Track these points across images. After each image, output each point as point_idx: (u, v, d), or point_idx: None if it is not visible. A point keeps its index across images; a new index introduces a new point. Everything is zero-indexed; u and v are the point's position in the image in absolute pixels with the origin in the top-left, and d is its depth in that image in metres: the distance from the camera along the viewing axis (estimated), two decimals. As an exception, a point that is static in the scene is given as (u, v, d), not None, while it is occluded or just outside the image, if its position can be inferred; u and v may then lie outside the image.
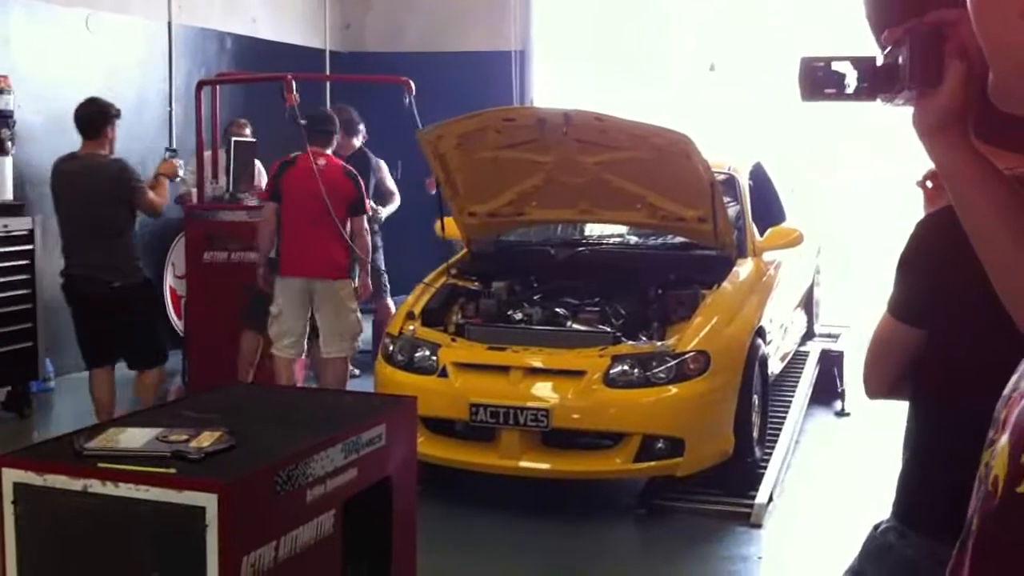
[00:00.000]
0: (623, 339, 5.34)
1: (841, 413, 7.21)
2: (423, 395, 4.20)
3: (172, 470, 2.50)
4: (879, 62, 1.22)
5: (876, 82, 1.21)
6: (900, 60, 1.19)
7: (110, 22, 8.40)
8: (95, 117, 5.97)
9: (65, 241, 6.02)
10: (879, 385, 2.03)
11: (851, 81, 1.22)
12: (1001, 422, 1.00)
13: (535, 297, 5.93)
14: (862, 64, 1.22)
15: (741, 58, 10.64)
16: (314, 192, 6.16)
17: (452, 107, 6.40)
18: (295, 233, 6.30)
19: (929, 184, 2.07)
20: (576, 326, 5.59)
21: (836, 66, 1.22)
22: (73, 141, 8.01)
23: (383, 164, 8.34)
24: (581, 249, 6.49)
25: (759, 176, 7.11)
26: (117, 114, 6.07)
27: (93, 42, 8.25)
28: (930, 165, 1.30)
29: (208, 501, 2.38)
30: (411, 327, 5.60)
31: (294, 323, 6.36)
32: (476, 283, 6.15)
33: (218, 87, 8.71)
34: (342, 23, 11.70)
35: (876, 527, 2.00)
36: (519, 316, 5.69)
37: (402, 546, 3.22)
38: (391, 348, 5.55)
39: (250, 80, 9.13)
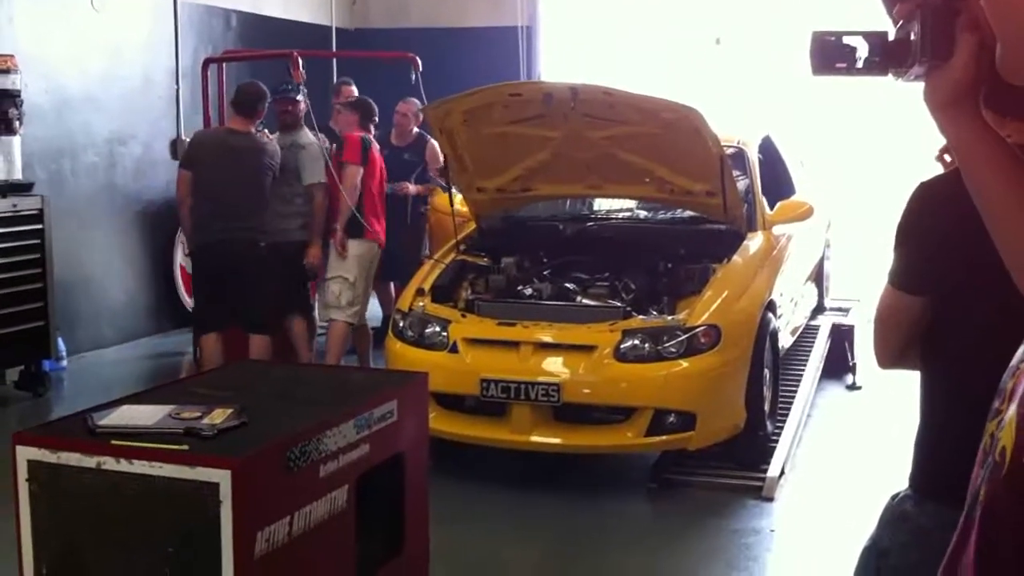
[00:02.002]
0: (633, 313, 5.34)
1: (852, 387, 7.20)
2: (434, 371, 4.20)
3: (185, 447, 2.51)
4: (890, 37, 1.21)
5: (887, 57, 1.20)
6: (912, 34, 1.18)
7: (116, 0, 8.38)
8: (254, 97, 6.59)
9: (218, 206, 6.43)
10: (887, 355, 2.03)
11: (862, 55, 1.21)
12: (1008, 392, 0.99)
13: (545, 272, 5.92)
14: (873, 38, 1.21)
15: (747, 31, 10.59)
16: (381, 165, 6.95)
17: (459, 83, 6.38)
18: (375, 199, 6.84)
19: (947, 158, 2.06)
20: (586, 301, 5.59)
21: (847, 40, 1.21)
22: (81, 119, 8.06)
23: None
24: (590, 224, 6.48)
25: (768, 149, 7.08)
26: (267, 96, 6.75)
27: (99, 21, 8.23)
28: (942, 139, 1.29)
29: (222, 477, 2.39)
30: (421, 303, 5.60)
31: (368, 289, 6.91)
32: (485, 259, 6.14)
33: (224, 65, 8.71)
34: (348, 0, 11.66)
35: (894, 497, 2.01)
36: (529, 291, 5.69)
37: (414, 521, 3.23)
38: (401, 324, 5.55)
39: (256, 57, 9.11)
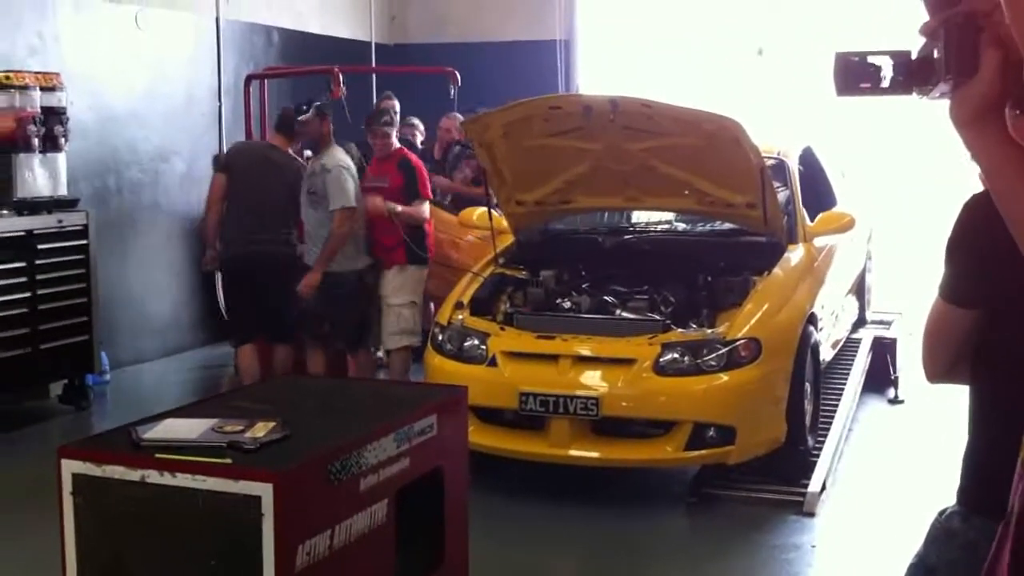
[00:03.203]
0: (673, 327, 5.31)
1: (895, 400, 7.12)
2: (473, 384, 4.20)
3: (228, 460, 2.52)
4: (914, 55, 1.21)
5: (911, 75, 1.21)
6: (935, 52, 1.17)
7: (159, 18, 8.49)
8: (291, 118, 6.71)
9: (248, 215, 6.54)
10: (936, 369, 2.01)
11: (886, 74, 1.21)
12: None
13: (583, 285, 5.91)
14: (897, 57, 1.21)
15: (789, 42, 10.53)
16: None
17: (497, 97, 6.40)
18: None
19: None
20: (625, 314, 5.57)
21: (871, 60, 1.21)
22: (125, 136, 8.17)
23: None
24: (629, 236, 6.46)
25: (809, 160, 7.03)
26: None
27: (142, 38, 8.35)
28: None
29: (264, 491, 2.41)
30: (460, 316, 5.61)
31: None
32: (524, 272, 6.14)
33: (266, 81, 8.79)
34: (387, 15, 11.74)
35: (941, 513, 1.99)
36: (568, 304, 5.68)
37: (454, 534, 3.23)
38: (440, 338, 5.57)
39: (298, 74, 9.19)
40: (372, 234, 6.59)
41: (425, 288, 6.78)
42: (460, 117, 7.78)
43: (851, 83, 1.22)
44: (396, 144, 6.77)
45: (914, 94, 1.22)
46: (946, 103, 1.19)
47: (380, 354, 7.16)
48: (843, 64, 1.22)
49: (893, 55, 1.21)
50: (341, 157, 6.52)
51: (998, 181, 1.22)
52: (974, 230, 1.86)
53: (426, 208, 6.68)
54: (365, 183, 6.64)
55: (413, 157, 6.91)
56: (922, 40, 1.20)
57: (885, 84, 1.21)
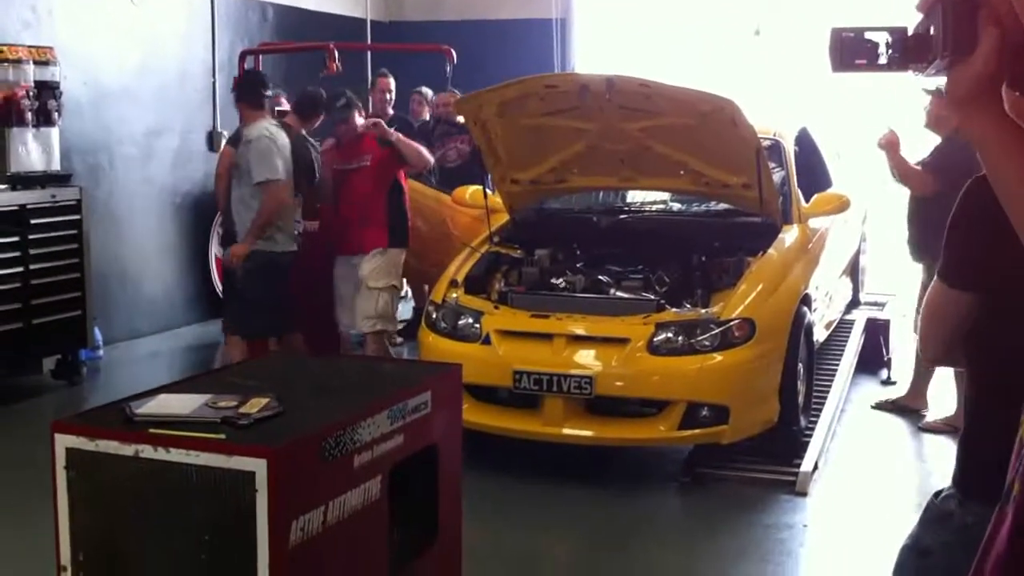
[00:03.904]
0: (667, 306, 5.32)
1: (887, 382, 7.14)
2: (467, 362, 4.17)
3: (222, 436, 2.52)
4: (910, 32, 1.20)
5: (908, 52, 1.20)
6: (932, 29, 1.17)
7: (153, -7, 8.44)
8: (313, 101, 6.78)
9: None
10: (935, 351, 2.01)
11: (883, 51, 1.20)
12: None
13: (578, 264, 5.91)
14: (894, 34, 1.20)
15: (786, 22, 10.50)
16: None
17: (493, 75, 6.38)
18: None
19: None
20: (619, 293, 5.57)
21: (867, 36, 1.21)
22: (118, 111, 8.12)
23: None
24: (624, 216, 6.46)
25: (805, 141, 7.03)
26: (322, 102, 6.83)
27: (136, 13, 8.29)
28: None
29: (258, 466, 2.41)
30: (454, 295, 5.61)
31: None
32: (519, 251, 6.14)
33: (260, 57, 8.75)
34: (383, -9, 11.68)
35: (936, 495, 1.99)
36: (562, 283, 5.68)
37: (448, 512, 3.24)
38: (435, 316, 5.56)
39: (293, 50, 9.15)
40: (352, 214, 6.45)
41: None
42: (459, 94, 7.77)
43: (847, 60, 1.21)
44: (360, 123, 6.50)
45: (910, 71, 1.21)
46: (943, 80, 1.19)
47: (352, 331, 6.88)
48: (839, 40, 1.21)
49: (890, 31, 1.20)
50: (266, 126, 6.22)
51: (994, 160, 1.21)
52: (973, 212, 1.86)
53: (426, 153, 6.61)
54: (336, 166, 6.57)
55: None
56: (919, 16, 1.19)
57: (881, 61, 1.20)
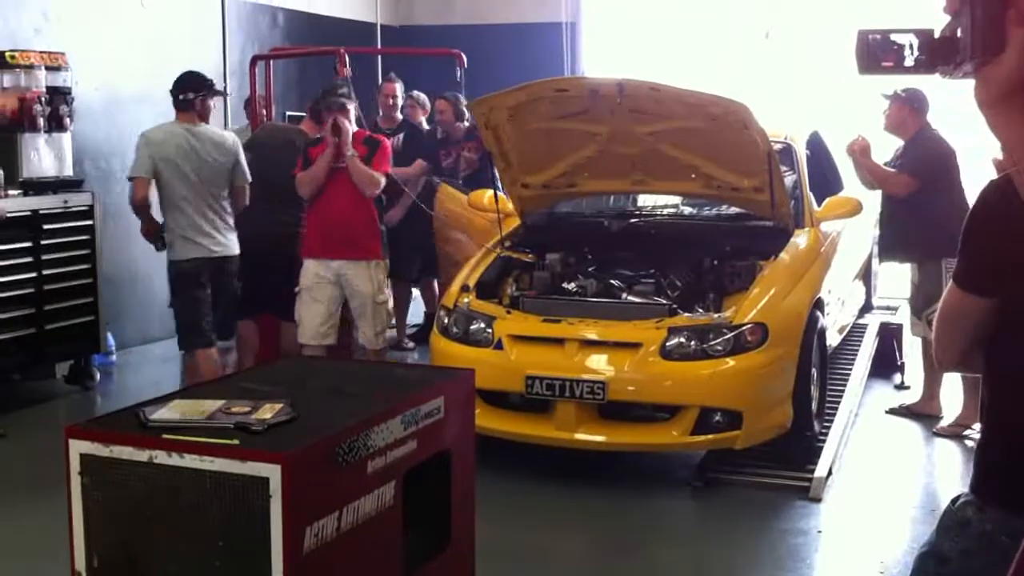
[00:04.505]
0: (679, 311, 5.31)
1: (901, 386, 7.11)
2: (479, 367, 4.16)
3: (236, 441, 2.52)
4: (937, 33, 1.19)
5: (935, 54, 1.19)
6: (959, 31, 1.16)
7: (164, -2, 8.46)
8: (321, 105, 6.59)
9: (267, 194, 6.41)
10: (950, 357, 1.99)
11: (909, 53, 1.20)
12: None
13: (589, 269, 5.90)
14: (920, 36, 1.19)
15: (796, 25, 10.48)
16: None
17: (503, 79, 6.37)
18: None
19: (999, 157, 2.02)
20: (631, 298, 5.56)
21: (893, 38, 1.20)
22: (129, 116, 8.14)
23: None
24: (635, 220, 6.45)
25: (816, 145, 7.01)
26: None
27: (147, 18, 8.32)
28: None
29: (272, 472, 2.40)
30: (466, 300, 5.60)
31: None
32: (530, 255, 6.13)
33: (272, 62, 8.77)
34: (393, -4, 11.70)
35: (954, 501, 1.97)
36: (574, 288, 5.67)
37: (461, 517, 3.23)
38: (446, 321, 5.56)
39: (304, 54, 9.16)
40: (338, 215, 6.15)
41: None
42: (451, 99, 7.79)
43: (874, 62, 1.20)
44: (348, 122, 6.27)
45: (937, 73, 1.20)
46: (970, 83, 1.18)
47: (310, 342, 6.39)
48: (865, 42, 1.21)
49: (916, 33, 1.19)
50: (162, 124, 6.22)
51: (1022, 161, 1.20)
52: (990, 217, 1.84)
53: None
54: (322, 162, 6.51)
55: (380, 136, 6.62)
56: (946, 18, 1.18)
57: (908, 63, 1.20)
